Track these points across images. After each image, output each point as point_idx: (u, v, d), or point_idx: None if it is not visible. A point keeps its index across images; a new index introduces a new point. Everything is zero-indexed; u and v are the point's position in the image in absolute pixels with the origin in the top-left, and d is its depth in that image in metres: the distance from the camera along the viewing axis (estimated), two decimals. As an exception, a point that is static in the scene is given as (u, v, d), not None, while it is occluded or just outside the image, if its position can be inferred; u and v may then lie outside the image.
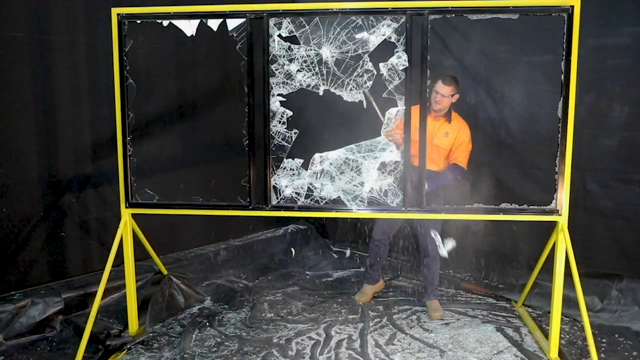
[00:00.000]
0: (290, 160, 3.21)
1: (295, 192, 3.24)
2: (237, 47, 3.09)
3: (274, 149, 3.19)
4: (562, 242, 3.02)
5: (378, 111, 3.19)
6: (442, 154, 3.71)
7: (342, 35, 3.05)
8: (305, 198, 3.24)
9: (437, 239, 3.74)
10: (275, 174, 3.22)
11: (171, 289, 3.89)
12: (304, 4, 3.09)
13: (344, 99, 3.14)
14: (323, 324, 3.68)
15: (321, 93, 3.14)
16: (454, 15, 2.98)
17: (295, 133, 3.20)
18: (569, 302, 3.53)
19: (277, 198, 3.25)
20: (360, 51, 3.06)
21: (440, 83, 3.52)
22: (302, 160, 3.23)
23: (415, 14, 2.98)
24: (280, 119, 3.16)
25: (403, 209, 3.18)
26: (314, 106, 3.57)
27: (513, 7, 2.91)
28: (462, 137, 3.64)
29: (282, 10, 3.05)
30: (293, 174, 3.23)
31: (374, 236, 4.05)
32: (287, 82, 3.13)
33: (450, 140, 3.65)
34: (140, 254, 3.66)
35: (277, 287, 4.41)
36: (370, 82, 3.09)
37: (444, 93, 3.52)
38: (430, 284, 3.90)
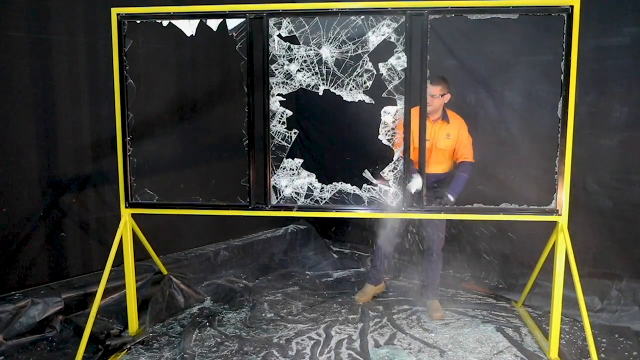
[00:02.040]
0: (290, 160, 3.21)
1: (295, 192, 3.24)
2: (237, 47, 3.09)
3: (273, 148, 3.19)
4: (562, 242, 3.02)
5: None
6: (447, 155, 3.74)
7: (341, 35, 3.05)
8: (305, 198, 3.24)
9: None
10: (275, 173, 3.22)
11: (171, 289, 3.89)
12: (304, 4, 3.09)
13: (344, 98, 3.14)
14: (323, 324, 3.68)
15: (321, 93, 3.14)
16: (453, 15, 2.98)
17: (295, 133, 3.20)
18: (569, 302, 3.53)
19: (277, 198, 3.25)
20: (360, 51, 3.05)
21: (428, 84, 3.47)
22: (302, 160, 3.23)
23: (415, 14, 2.97)
24: (280, 118, 3.16)
25: (403, 209, 3.18)
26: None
27: (513, 7, 2.91)
28: (463, 134, 3.67)
29: (282, 10, 3.05)
30: (293, 174, 3.23)
31: (383, 238, 3.99)
32: (287, 82, 3.13)
33: (452, 140, 3.67)
34: (140, 254, 3.66)
35: (277, 287, 4.41)
36: (370, 82, 3.10)
37: (433, 93, 3.51)
38: (431, 283, 3.90)
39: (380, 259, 4.07)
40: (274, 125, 3.16)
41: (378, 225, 3.99)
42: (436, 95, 3.52)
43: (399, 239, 4.10)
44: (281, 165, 3.22)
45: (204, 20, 3.11)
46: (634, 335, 3.44)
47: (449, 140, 3.66)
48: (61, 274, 3.83)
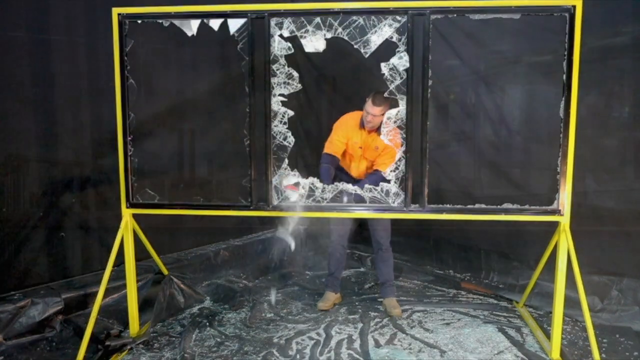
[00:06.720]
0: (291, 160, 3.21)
1: (297, 192, 3.23)
2: (238, 47, 3.08)
3: (275, 149, 3.18)
4: (564, 243, 3.01)
5: None
6: (369, 165, 3.75)
7: (343, 35, 3.04)
8: (306, 198, 3.23)
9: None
10: (276, 174, 3.21)
11: (171, 289, 3.88)
12: (305, 4, 3.08)
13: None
14: (323, 324, 3.67)
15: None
16: (455, 15, 2.98)
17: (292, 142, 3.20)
18: (570, 302, 3.51)
19: (279, 198, 3.24)
20: (362, 51, 3.05)
21: (370, 103, 3.50)
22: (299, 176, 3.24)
23: (417, 13, 2.97)
24: (282, 119, 3.15)
25: (405, 209, 3.17)
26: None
27: (515, 7, 2.91)
28: (389, 149, 3.47)
29: (284, 10, 3.04)
30: (294, 174, 3.22)
31: (333, 240, 3.96)
32: (288, 82, 3.12)
33: (378, 153, 3.64)
34: (139, 254, 3.65)
35: (277, 287, 4.41)
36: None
37: (374, 113, 3.51)
38: (387, 279, 3.91)
39: (336, 264, 3.98)
40: (275, 126, 3.16)
41: (328, 231, 3.98)
42: (377, 115, 3.50)
43: (349, 242, 4.06)
44: (282, 166, 3.21)
45: (205, 20, 3.10)
46: (634, 335, 3.44)
47: (376, 152, 3.66)
48: (61, 274, 3.81)
